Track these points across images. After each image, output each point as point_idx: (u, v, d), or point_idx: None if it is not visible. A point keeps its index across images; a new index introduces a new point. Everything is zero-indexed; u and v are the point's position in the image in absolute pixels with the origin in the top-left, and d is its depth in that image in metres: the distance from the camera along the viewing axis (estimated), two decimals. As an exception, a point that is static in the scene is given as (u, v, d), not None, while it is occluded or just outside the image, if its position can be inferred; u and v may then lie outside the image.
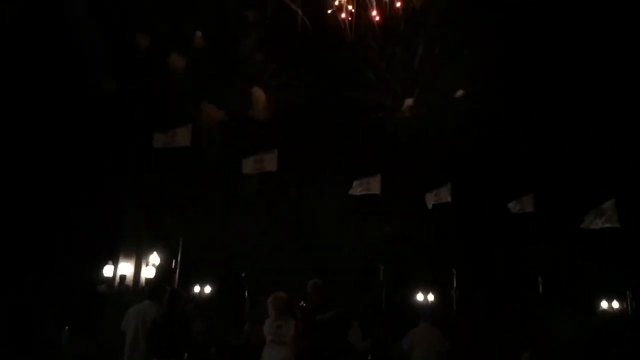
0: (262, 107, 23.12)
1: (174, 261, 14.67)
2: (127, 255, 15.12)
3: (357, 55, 22.77)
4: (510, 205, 16.71)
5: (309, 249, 20.19)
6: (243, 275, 14.35)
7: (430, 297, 19.97)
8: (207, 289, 21.24)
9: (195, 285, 20.75)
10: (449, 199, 17.07)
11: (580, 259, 20.02)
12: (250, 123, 21.85)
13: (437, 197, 17.41)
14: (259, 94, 23.22)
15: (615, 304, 22.33)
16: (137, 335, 6.76)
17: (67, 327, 14.98)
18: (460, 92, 24.28)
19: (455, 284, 17.70)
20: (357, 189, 16.63)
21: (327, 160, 21.11)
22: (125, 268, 14.78)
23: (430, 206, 17.49)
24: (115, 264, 14.79)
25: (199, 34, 22.37)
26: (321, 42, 22.15)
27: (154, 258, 15.19)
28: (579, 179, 20.06)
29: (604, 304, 22.52)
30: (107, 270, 14.64)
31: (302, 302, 6.74)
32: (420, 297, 20.54)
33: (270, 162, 14.75)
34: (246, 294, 16.54)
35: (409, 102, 24.39)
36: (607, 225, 13.90)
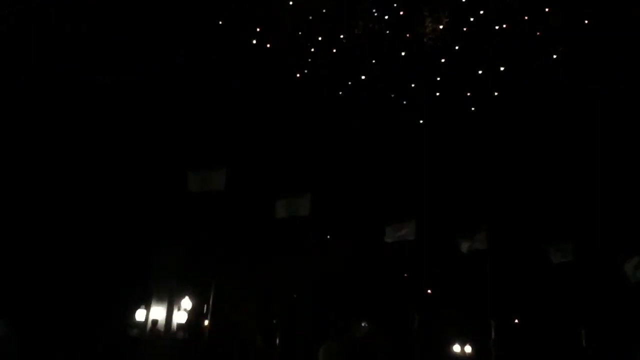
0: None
1: (205, 306, 14.52)
2: (159, 300, 15.06)
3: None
4: (550, 253, 16.06)
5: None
6: (275, 322, 14.11)
7: (468, 349, 19.11)
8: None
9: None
10: (485, 246, 16.58)
11: (623, 309, 19.05)
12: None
13: (472, 243, 16.92)
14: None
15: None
16: None
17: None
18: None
19: (493, 335, 16.94)
20: (392, 235, 16.13)
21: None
22: (158, 312, 14.70)
23: (464, 251, 16.93)
24: (148, 309, 14.72)
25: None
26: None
27: (186, 302, 15.09)
28: (622, 226, 19.31)
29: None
30: (139, 315, 14.57)
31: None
32: (457, 348, 19.72)
33: (303, 206, 14.61)
34: (277, 341, 16.28)
35: None
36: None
